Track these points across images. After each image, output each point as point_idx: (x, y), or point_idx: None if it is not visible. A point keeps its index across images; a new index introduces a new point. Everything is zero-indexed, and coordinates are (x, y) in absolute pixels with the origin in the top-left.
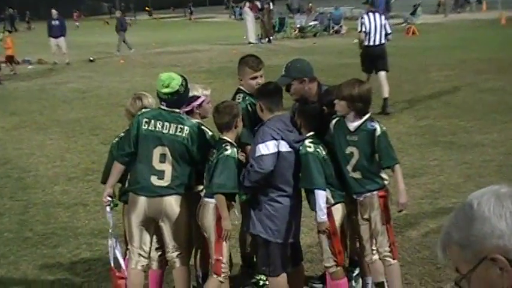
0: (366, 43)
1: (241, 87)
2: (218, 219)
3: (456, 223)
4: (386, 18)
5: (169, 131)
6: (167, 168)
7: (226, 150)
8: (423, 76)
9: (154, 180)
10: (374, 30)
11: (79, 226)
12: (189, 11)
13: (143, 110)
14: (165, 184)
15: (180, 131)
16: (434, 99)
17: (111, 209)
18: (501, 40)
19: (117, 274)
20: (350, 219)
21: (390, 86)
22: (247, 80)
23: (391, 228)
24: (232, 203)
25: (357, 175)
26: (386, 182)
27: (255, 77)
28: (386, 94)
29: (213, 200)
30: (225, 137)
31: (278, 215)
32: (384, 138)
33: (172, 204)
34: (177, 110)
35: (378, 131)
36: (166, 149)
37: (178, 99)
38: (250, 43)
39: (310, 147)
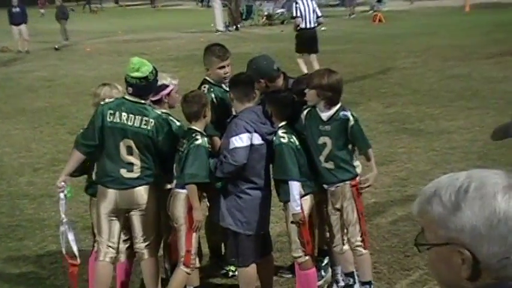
0: (303, 26)
1: (207, 78)
2: (189, 209)
3: (443, 197)
4: (316, 3)
5: (134, 123)
6: (135, 160)
7: (197, 139)
8: (390, 63)
9: (124, 172)
10: (308, 15)
11: (45, 218)
12: None
13: (107, 100)
14: (135, 176)
15: (145, 124)
16: (402, 86)
17: (65, 196)
18: (466, 27)
19: (69, 261)
20: (320, 209)
21: (358, 73)
22: (214, 69)
23: (363, 217)
24: (204, 193)
25: (329, 165)
26: (358, 171)
27: (223, 67)
28: None
29: (184, 191)
30: (194, 127)
31: (248, 207)
32: (357, 126)
33: (143, 193)
34: (142, 101)
35: (351, 120)
36: (131, 141)
37: (146, 86)
38: (217, 31)
39: (283, 137)
